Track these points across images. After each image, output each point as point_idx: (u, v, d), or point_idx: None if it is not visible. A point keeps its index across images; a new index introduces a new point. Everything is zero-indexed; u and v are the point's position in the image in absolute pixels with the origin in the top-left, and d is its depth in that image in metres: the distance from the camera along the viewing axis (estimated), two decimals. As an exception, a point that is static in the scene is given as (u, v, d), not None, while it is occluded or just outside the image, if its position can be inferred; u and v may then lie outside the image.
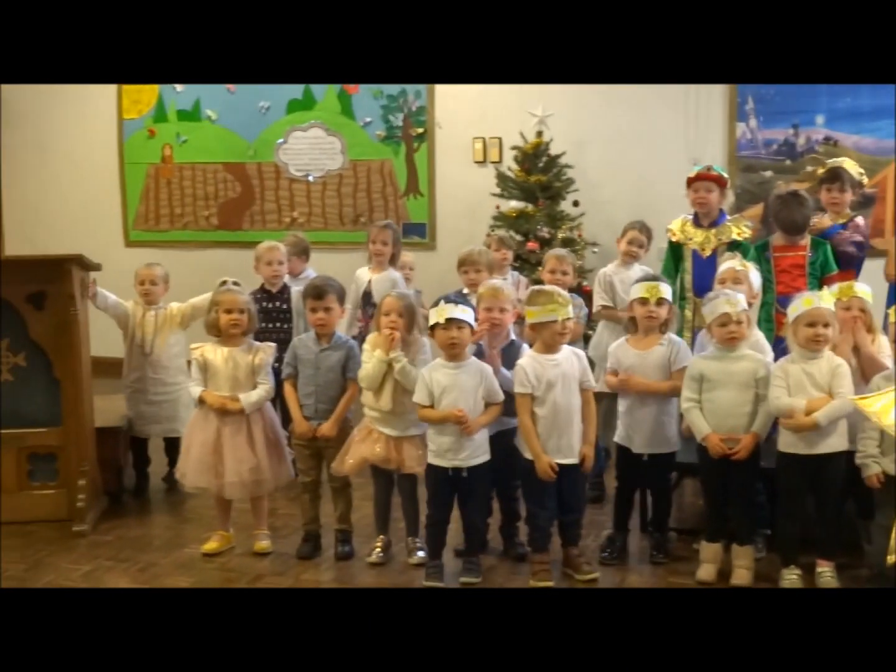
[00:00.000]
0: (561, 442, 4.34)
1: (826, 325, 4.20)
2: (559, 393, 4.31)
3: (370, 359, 4.53)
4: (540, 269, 7.13)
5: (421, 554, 4.62)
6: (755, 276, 4.89)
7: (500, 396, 4.40)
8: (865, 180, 5.97)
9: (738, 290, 4.63)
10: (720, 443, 4.29)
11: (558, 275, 5.45)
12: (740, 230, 5.60)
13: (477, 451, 4.37)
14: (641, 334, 4.64)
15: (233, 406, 4.70)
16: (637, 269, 5.94)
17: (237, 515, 5.00)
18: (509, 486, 4.72)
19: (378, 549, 4.69)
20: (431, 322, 4.37)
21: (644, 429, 4.60)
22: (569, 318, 4.34)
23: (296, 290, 5.90)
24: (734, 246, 5.44)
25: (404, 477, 4.65)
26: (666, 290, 4.63)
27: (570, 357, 4.37)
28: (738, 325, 4.33)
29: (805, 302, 4.26)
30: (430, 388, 4.36)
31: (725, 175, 5.75)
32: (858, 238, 5.55)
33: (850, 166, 5.75)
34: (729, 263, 4.92)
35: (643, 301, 4.59)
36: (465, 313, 4.33)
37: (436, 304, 4.41)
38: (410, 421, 4.50)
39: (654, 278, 4.76)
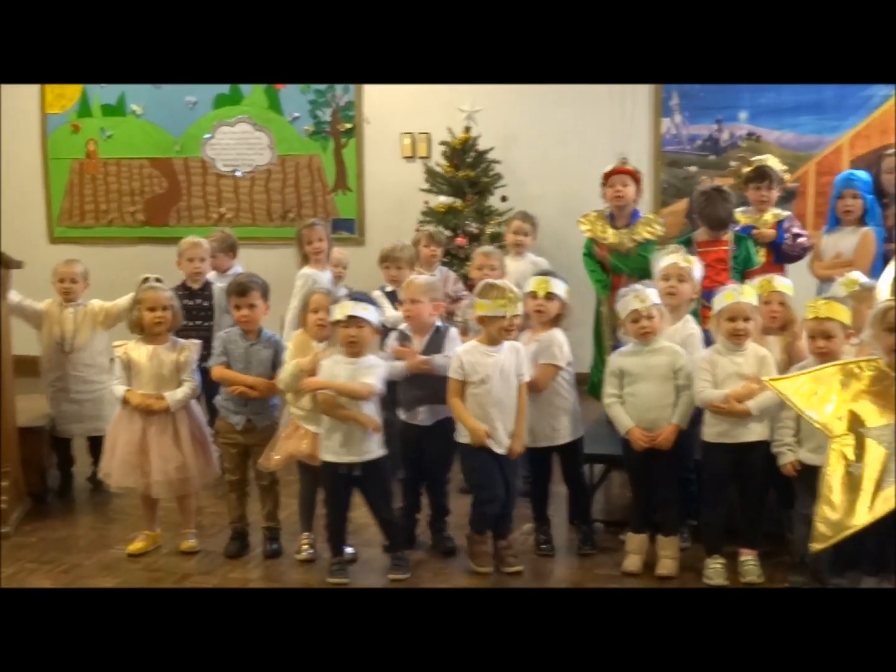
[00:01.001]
0: (495, 434, 4.36)
1: (746, 320, 4.28)
2: (495, 385, 4.35)
3: (295, 356, 4.52)
4: (468, 264, 7.21)
5: (350, 550, 4.61)
6: (699, 271, 4.94)
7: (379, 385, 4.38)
8: (788, 177, 6.10)
9: (682, 287, 4.70)
10: (643, 436, 4.35)
11: (486, 270, 5.44)
12: (652, 229, 5.70)
13: (370, 447, 4.37)
14: (533, 326, 4.67)
15: (158, 405, 4.65)
16: (527, 261, 6.01)
17: (163, 514, 4.95)
18: (439, 480, 4.73)
19: (306, 546, 4.68)
20: (334, 318, 4.37)
21: (539, 424, 4.62)
22: (517, 315, 4.37)
23: (218, 286, 5.86)
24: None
25: (331, 473, 4.64)
26: (557, 286, 4.65)
27: (509, 350, 4.41)
28: (648, 320, 4.38)
29: (726, 296, 4.34)
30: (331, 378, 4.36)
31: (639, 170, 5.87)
32: (805, 242, 5.71)
33: (774, 163, 5.88)
34: (672, 258, 4.89)
35: (532, 295, 4.63)
36: (366, 311, 4.34)
37: (334, 301, 4.44)
38: (335, 418, 4.49)
39: (546, 273, 4.79)
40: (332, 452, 4.36)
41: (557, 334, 4.63)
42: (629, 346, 4.52)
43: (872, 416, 3.33)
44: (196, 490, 4.89)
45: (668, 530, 4.45)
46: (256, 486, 4.79)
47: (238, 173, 8.69)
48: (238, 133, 8.66)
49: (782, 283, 4.64)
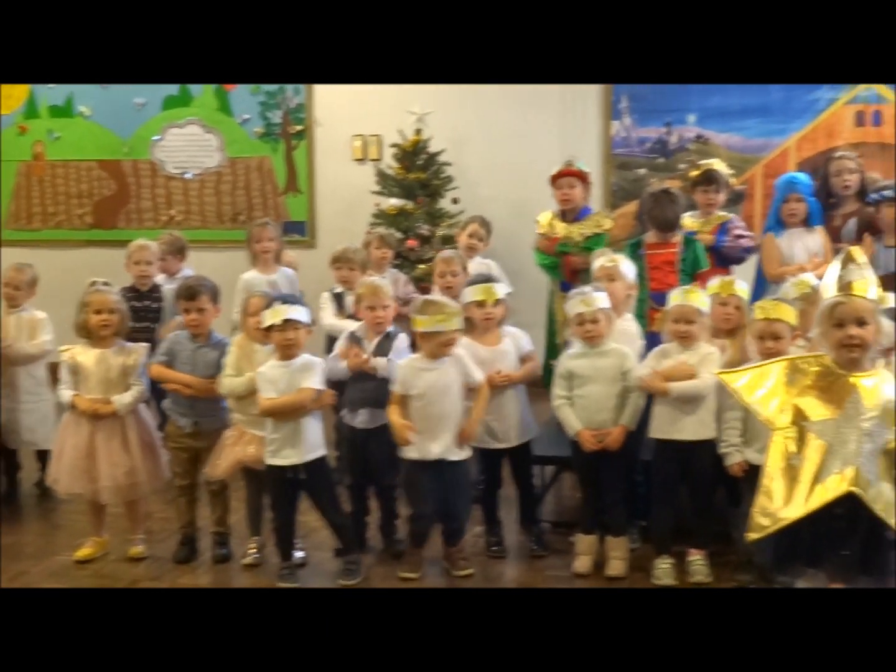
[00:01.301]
0: (433, 445, 4.38)
1: (689, 322, 4.33)
2: (436, 400, 4.36)
3: (238, 361, 4.52)
4: (420, 266, 7.23)
5: (300, 554, 4.60)
6: (627, 268, 4.99)
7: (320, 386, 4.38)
8: (734, 180, 6.19)
9: (613, 286, 4.72)
10: (591, 438, 4.38)
11: (448, 277, 5.41)
12: (601, 222, 5.77)
13: (312, 447, 4.36)
14: (480, 332, 4.67)
15: (105, 409, 4.60)
16: (477, 262, 6.04)
17: (111, 520, 4.89)
18: (386, 484, 4.72)
19: (253, 551, 4.66)
20: (267, 323, 4.34)
21: (493, 425, 4.65)
22: (456, 330, 4.38)
23: (168, 289, 5.82)
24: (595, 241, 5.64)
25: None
26: (501, 290, 4.69)
27: (452, 363, 4.40)
28: (593, 325, 4.41)
29: (673, 298, 4.39)
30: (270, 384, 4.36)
31: (587, 170, 5.92)
32: (747, 242, 5.79)
33: (721, 167, 5.95)
34: (598, 261, 5.00)
35: (480, 304, 4.64)
36: (299, 313, 4.35)
37: (268, 305, 4.41)
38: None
39: (486, 280, 4.78)
40: (275, 455, 4.35)
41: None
42: (577, 348, 4.55)
43: (815, 410, 3.38)
44: (145, 495, 4.85)
45: (618, 531, 4.48)
46: (206, 490, 4.77)
47: (188, 175, 8.63)
48: (187, 135, 8.60)
49: (741, 286, 4.68)
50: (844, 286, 3.38)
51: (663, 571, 4.36)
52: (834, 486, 3.26)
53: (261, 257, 6.02)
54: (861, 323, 3.34)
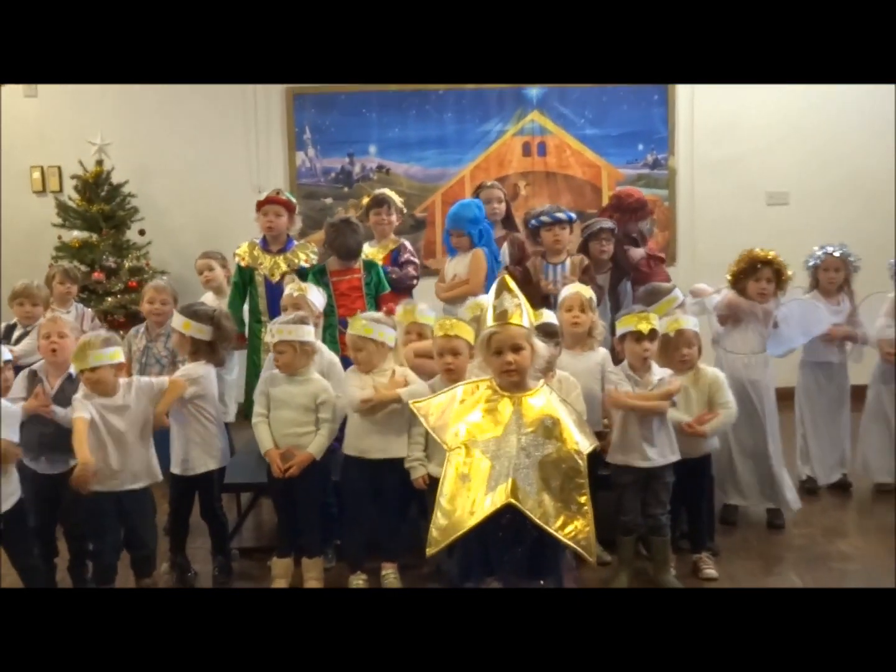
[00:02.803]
0: (114, 475, 4.34)
1: (359, 350, 4.54)
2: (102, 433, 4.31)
3: None
4: (108, 300, 7.09)
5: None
6: (315, 297, 5.14)
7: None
8: (405, 210, 6.42)
9: (301, 314, 4.82)
10: (278, 459, 4.47)
11: (158, 305, 5.41)
12: (307, 256, 5.82)
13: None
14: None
15: None
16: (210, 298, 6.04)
17: None
18: (74, 525, 4.62)
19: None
20: None
21: (180, 450, 4.69)
22: (119, 363, 4.34)
23: None
24: (301, 273, 5.69)
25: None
26: (176, 322, 4.73)
27: (127, 397, 4.37)
28: (279, 354, 4.53)
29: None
30: None
31: (294, 200, 5.98)
32: (413, 271, 6.01)
33: (393, 194, 6.20)
34: (287, 289, 5.14)
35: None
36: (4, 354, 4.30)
37: None
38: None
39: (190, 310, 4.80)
40: None
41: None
42: (277, 372, 4.63)
43: (482, 430, 3.56)
44: None
45: (312, 552, 4.60)
46: None
47: None
48: None
49: (423, 314, 4.93)
50: (500, 315, 3.58)
51: (358, 588, 4.51)
52: (497, 499, 3.46)
53: None
54: (516, 349, 3.56)
